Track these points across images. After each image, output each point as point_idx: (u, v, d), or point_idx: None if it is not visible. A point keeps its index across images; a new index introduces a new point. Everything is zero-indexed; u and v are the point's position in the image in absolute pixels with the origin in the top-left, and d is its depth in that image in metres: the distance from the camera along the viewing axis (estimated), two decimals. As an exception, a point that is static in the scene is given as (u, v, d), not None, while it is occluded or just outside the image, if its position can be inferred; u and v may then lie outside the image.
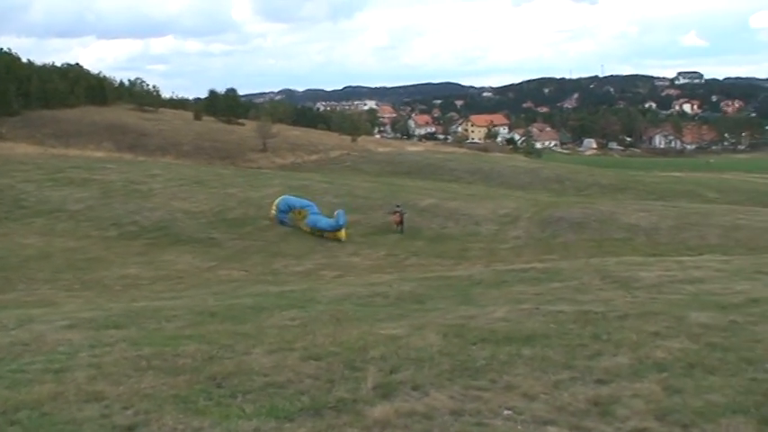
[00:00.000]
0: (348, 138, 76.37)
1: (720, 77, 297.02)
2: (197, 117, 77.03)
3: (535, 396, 5.40)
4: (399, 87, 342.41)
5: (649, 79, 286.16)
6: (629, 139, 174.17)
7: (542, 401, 5.29)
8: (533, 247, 31.63)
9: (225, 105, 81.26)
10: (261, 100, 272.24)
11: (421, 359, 6.34)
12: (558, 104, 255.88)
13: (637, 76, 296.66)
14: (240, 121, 78.84)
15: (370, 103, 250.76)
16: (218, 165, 56.18)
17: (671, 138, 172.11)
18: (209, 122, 77.00)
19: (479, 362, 6.29)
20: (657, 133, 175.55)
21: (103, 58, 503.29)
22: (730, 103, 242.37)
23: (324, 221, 31.41)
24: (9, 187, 34.53)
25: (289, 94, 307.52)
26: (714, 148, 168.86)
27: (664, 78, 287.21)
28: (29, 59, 74.80)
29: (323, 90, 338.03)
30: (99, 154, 52.24)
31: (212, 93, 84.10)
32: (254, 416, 4.95)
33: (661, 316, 8.11)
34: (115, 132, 61.70)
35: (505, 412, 5.08)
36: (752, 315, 8.02)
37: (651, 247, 30.24)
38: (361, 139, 77.87)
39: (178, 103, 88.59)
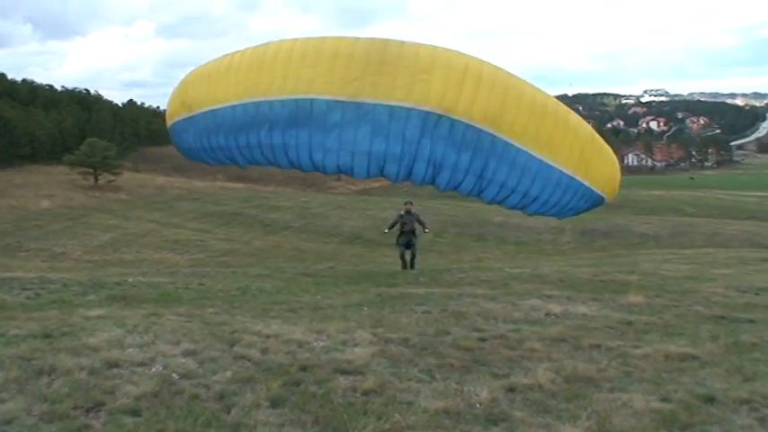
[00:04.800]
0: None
1: (685, 93, 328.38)
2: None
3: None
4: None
5: (616, 97, 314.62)
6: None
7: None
8: (583, 249, 48.48)
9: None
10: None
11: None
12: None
13: (604, 94, 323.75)
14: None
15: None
16: (310, 192, 77.01)
17: (642, 156, 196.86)
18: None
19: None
20: (630, 152, 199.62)
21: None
22: (695, 119, 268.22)
23: None
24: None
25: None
26: (682, 165, 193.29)
27: (630, 96, 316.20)
28: (141, 102, 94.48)
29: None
30: (221, 184, 72.73)
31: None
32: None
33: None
34: (219, 165, 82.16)
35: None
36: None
37: (659, 248, 43.96)
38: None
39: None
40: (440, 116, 12.55)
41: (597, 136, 14.29)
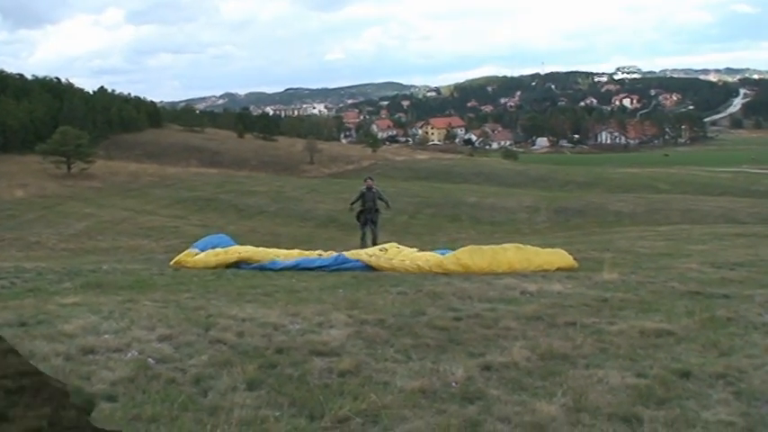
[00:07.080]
0: (369, 149, 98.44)
1: (657, 70, 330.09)
2: (240, 135, 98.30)
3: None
4: (341, 88, 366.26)
5: (589, 75, 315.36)
6: (576, 136, 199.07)
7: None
8: (557, 228, 47.46)
9: (260, 124, 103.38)
10: (203, 105, 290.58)
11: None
12: (503, 102, 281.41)
13: (577, 72, 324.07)
14: (274, 137, 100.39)
15: (319, 107, 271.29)
16: (284, 176, 76.78)
17: (616, 134, 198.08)
18: (250, 140, 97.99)
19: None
20: (603, 130, 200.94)
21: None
22: (668, 96, 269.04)
23: None
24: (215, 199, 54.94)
25: (231, 97, 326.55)
26: (656, 142, 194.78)
27: (603, 74, 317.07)
28: (112, 89, 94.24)
29: (265, 93, 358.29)
30: (195, 169, 72.31)
31: (245, 111, 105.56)
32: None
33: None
34: (192, 151, 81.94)
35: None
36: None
37: (634, 225, 42.51)
38: (380, 150, 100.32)
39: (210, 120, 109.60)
40: None
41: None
